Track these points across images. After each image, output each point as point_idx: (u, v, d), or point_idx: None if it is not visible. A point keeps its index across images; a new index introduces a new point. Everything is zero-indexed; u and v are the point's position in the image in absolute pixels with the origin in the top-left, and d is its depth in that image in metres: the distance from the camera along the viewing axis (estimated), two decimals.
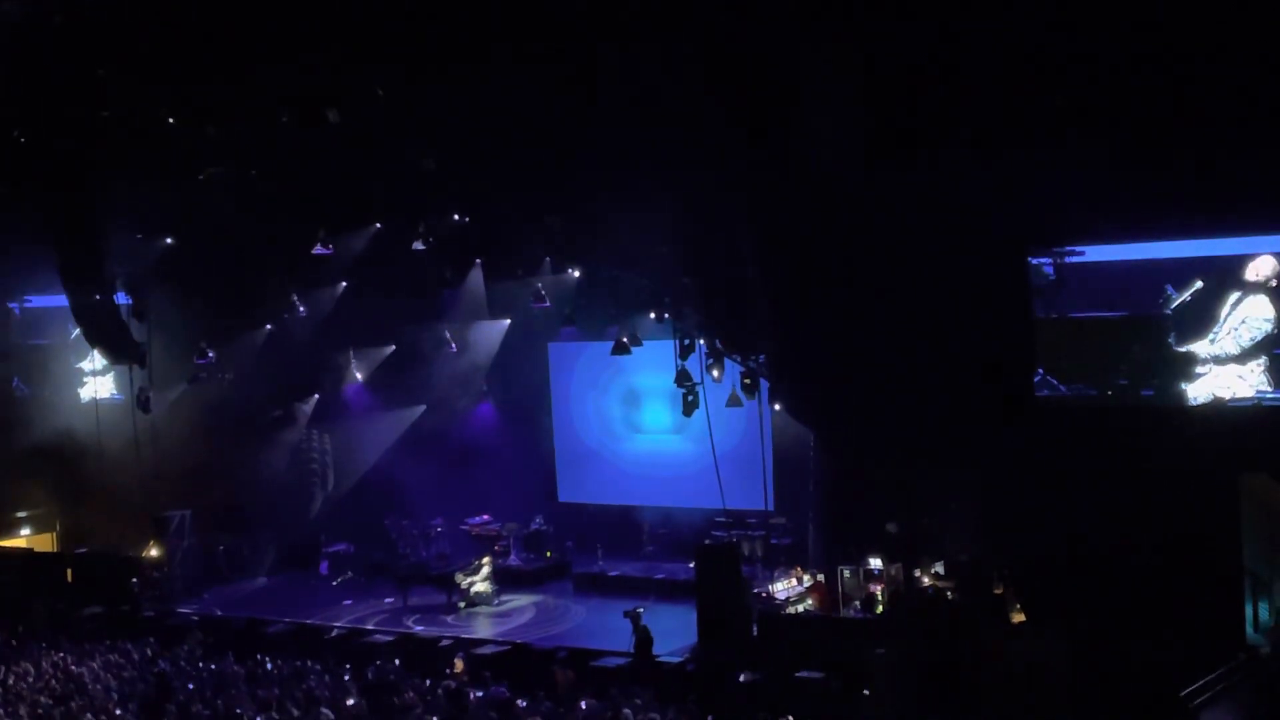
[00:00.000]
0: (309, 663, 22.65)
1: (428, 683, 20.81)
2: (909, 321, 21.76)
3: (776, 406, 25.88)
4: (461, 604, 27.31)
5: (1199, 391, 21.15)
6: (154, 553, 29.99)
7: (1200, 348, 21.10)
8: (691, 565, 24.85)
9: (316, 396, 32.23)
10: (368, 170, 24.72)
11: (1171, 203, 19.85)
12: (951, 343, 21.36)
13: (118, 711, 19.38)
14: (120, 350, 27.83)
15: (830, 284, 22.07)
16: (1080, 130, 19.69)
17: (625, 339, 26.72)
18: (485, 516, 30.94)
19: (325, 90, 21.43)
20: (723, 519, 27.20)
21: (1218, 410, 20.78)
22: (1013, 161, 19.97)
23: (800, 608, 23.18)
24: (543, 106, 21.33)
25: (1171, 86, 18.93)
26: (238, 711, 18.94)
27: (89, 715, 19.15)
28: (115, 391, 32.74)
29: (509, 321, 31.13)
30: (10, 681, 21.80)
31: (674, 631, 23.43)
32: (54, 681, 21.68)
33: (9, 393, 34.12)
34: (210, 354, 29.63)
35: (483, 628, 25.99)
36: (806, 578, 23.95)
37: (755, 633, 22.53)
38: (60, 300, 27.89)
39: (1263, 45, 18.29)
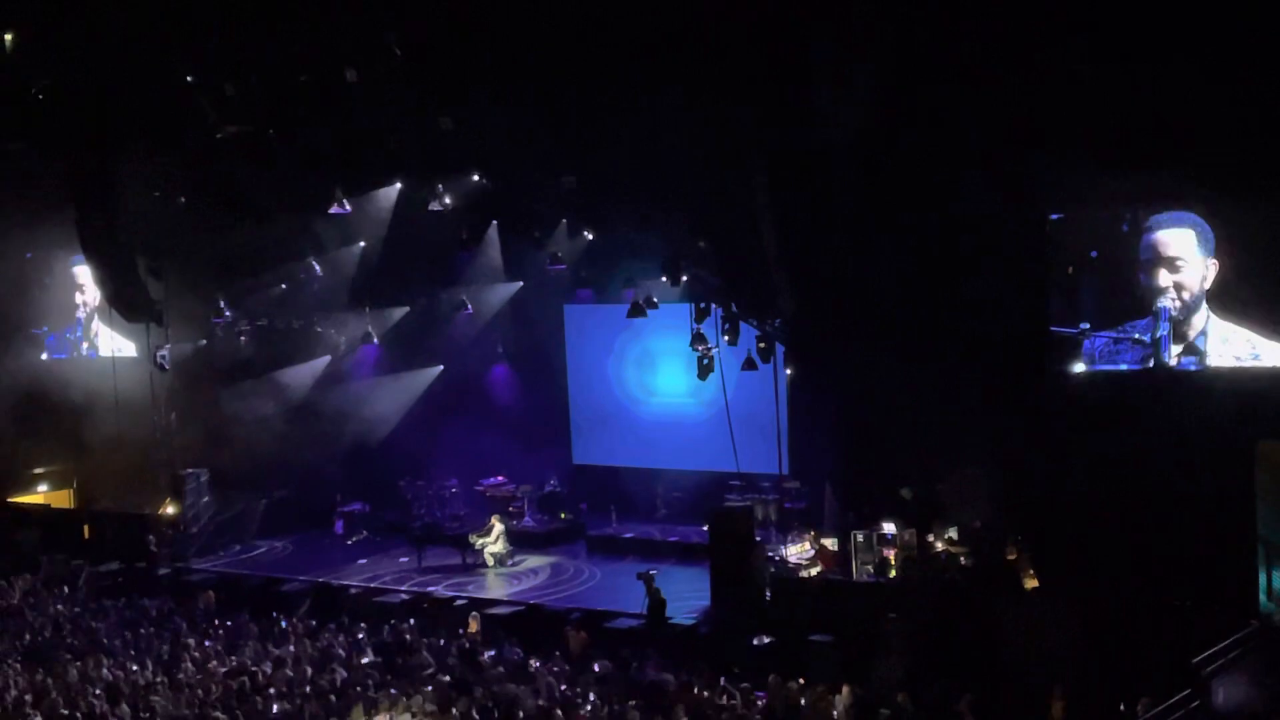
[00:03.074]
0: (324, 621, 22.81)
1: (442, 642, 20.94)
2: (925, 286, 21.76)
3: (788, 371, 25.89)
4: (478, 564, 27.43)
5: None
6: (170, 510, 30.11)
7: None
8: (705, 528, 24.90)
9: (329, 358, 32.27)
10: (385, 130, 24.66)
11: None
12: (968, 307, 21.33)
13: (134, 667, 19.53)
14: (137, 308, 27.87)
15: (847, 249, 22.05)
16: (1101, 89, 19.64)
17: (641, 302, 26.70)
18: (500, 478, 31.07)
19: (343, 49, 21.39)
20: (737, 482, 27.24)
21: (1234, 377, 20.70)
22: (1033, 118, 19.93)
23: (813, 571, 23.24)
24: (559, 67, 21.26)
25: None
26: (253, 668, 19.08)
27: (105, 671, 19.31)
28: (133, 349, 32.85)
29: (520, 284, 31.18)
30: (28, 638, 21.98)
31: (687, 594, 23.53)
32: (70, 639, 21.86)
33: (28, 350, 34.20)
34: (227, 313, 29.65)
35: (496, 588, 26.07)
36: (825, 542, 23.97)
37: (768, 596, 22.59)
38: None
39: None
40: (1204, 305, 20.99)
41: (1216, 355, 20.96)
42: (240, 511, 31.17)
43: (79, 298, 34.22)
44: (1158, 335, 21.12)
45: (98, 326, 33.99)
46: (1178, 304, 21.14)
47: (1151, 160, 19.90)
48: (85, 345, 34.34)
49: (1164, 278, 21.18)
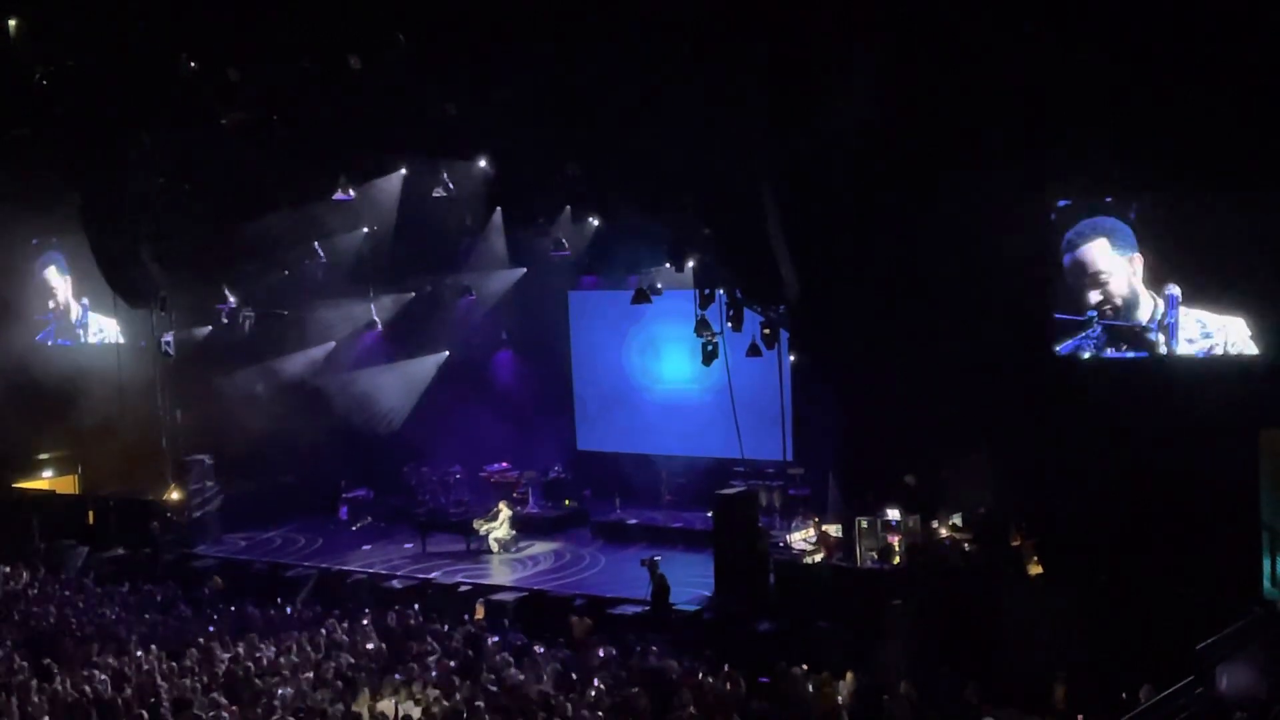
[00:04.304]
0: (328, 607, 22.84)
1: (446, 628, 20.96)
2: (929, 274, 21.73)
3: (792, 357, 25.88)
4: (482, 550, 27.44)
5: None
6: (175, 496, 30.14)
7: None
8: (709, 514, 24.90)
9: (333, 344, 32.24)
10: (389, 116, 24.65)
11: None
12: (972, 295, 21.31)
13: (139, 654, 19.55)
14: (141, 294, 27.91)
15: (851, 236, 22.03)
16: (1105, 79, 19.59)
17: (645, 288, 26.69)
18: (504, 464, 31.08)
19: (347, 36, 21.38)
20: (741, 468, 27.22)
21: (1237, 365, 20.68)
22: (1039, 109, 19.89)
23: (817, 558, 23.25)
24: (565, 54, 21.25)
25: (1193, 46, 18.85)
26: (258, 655, 19.11)
27: (111, 658, 19.33)
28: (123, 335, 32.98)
29: (524, 270, 31.19)
30: (33, 624, 22.00)
31: (691, 580, 23.53)
32: (75, 623, 21.88)
33: (32, 336, 34.28)
34: (231, 299, 29.64)
35: (501, 574, 26.08)
36: (827, 528, 23.96)
37: (772, 583, 22.60)
38: None
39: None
40: (1146, 294, 21.17)
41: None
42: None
43: (50, 304, 34.52)
44: (1166, 322, 21.10)
45: (80, 316, 34.28)
46: (1111, 312, 21.37)
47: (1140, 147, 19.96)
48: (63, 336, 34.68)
49: (1094, 296, 21.54)
